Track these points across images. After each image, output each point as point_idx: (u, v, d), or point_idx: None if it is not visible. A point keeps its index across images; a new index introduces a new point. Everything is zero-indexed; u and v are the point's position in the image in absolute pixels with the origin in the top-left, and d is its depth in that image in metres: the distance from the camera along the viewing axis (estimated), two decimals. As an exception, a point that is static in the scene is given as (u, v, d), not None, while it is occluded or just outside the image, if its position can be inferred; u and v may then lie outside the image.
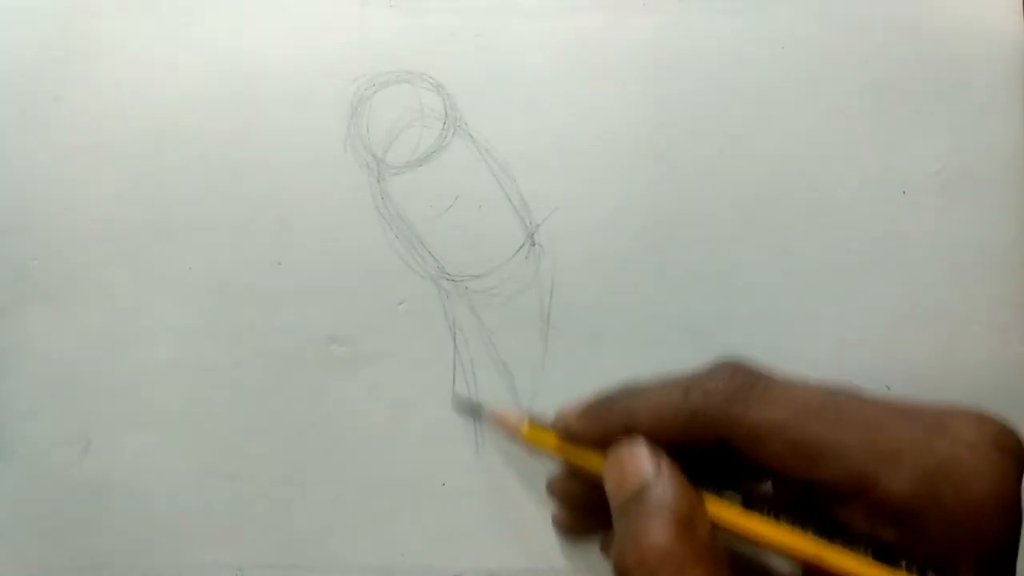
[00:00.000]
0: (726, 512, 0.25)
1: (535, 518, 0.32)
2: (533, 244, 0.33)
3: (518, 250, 0.33)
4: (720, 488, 0.25)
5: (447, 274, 0.33)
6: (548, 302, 0.33)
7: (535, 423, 0.29)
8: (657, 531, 0.23)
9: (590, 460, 0.27)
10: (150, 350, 0.33)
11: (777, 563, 0.27)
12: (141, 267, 0.33)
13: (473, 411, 0.32)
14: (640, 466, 0.25)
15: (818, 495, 0.24)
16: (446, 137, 0.33)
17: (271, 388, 0.32)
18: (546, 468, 0.32)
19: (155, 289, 0.33)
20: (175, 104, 0.34)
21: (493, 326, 0.33)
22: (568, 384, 0.32)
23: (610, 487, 0.26)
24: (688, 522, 0.23)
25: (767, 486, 0.27)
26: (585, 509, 0.30)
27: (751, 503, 0.25)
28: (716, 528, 0.24)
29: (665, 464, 0.25)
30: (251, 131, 0.33)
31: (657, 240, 0.33)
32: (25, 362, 0.33)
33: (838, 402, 0.24)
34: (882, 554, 0.23)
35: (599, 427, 0.27)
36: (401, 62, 0.34)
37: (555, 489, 0.30)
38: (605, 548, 0.30)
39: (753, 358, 0.32)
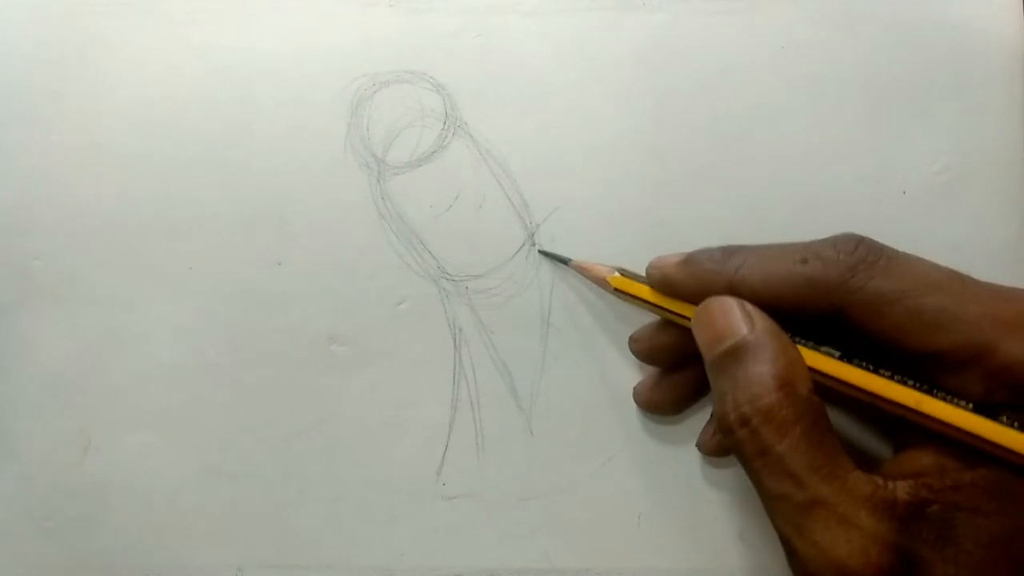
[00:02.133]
0: (825, 362, 0.25)
1: (535, 518, 0.32)
2: (533, 244, 0.33)
3: (518, 250, 0.33)
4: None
5: (447, 274, 0.33)
6: (548, 302, 0.33)
7: (626, 273, 0.29)
8: (757, 388, 0.23)
9: (674, 306, 0.27)
10: (150, 350, 0.33)
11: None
12: (141, 267, 0.33)
13: (560, 261, 0.32)
14: (734, 320, 0.25)
15: (933, 366, 0.24)
16: (446, 137, 0.33)
17: (271, 388, 0.33)
18: (547, 468, 0.32)
19: (155, 289, 0.33)
20: (175, 104, 0.34)
21: (493, 326, 0.33)
22: (568, 384, 0.32)
23: (702, 340, 0.26)
24: (788, 378, 0.24)
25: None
26: (671, 366, 0.30)
27: (850, 360, 0.25)
28: (833, 393, 0.25)
29: (760, 318, 0.25)
30: (251, 131, 0.33)
31: (657, 240, 0.33)
32: (25, 362, 0.33)
33: (961, 278, 0.25)
34: (982, 409, 0.23)
35: (698, 280, 0.27)
36: (401, 62, 0.34)
37: (639, 344, 0.30)
38: (703, 444, 0.31)
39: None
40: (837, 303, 0.25)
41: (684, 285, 0.27)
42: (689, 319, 0.27)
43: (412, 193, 0.33)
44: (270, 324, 0.33)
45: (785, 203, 0.33)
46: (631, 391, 0.32)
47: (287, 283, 0.33)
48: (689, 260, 0.28)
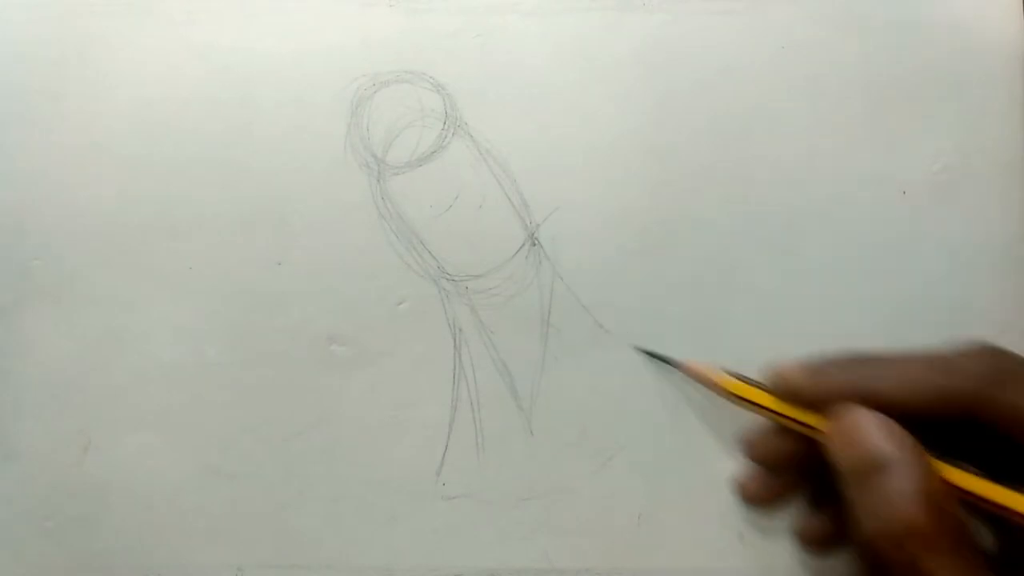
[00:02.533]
0: (972, 481, 0.25)
1: (535, 518, 0.32)
2: (533, 244, 0.33)
3: (518, 250, 0.33)
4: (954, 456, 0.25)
5: (447, 274, 0.33)
6: (548, 302, 0.33)
7: (742, 379, 0.29)
8: (902, 506, 0.23)
9: (802, 420, 0.27)
10: (150, 350, 0.33)
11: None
12: (141, 267, 0.33)
13: (665, 361, 0.31)
14: (878, 435, 0.25)
15: None
16: (446, 137, 0.33)
17: (271, 388, 0.32)
18: (547, 468, 0.32)
19: (155, 289, 0.33)
20: (175, 104, 0.34)
21: (493, 326, 0.33)
22: (568, 384, 0.32)
23: (842, 453, 0.25)
24: (934, 496, 0.23)
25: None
26: (782, 471, 0.30)
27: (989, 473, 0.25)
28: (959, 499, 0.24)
29: (903, 432, 0.25)
30: (251, 131, 0.33)
31: (657, 240, 0.33)
32: (25, 362, 0.33)
33: None
34: None
35: (825, 388, 0.27)
36: (401, 62, 0.34)
37: (754, 449, 0.30)
38: (803, 534, 0.30)
39: (753, 358, 0.32)
40: (974, 413, 0.25)
41: (810, 393, 0.27)
42: (812, 428, 0.27)
43: (412, 193, 0.33)
44: (270, 324, 0.33)
45: (785, 203, 0.33)
46: (631, 391, 0.32)
47: (287, 283, 0.33)
48: (814, 367, 0.27)
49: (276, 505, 0.32)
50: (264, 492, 0.32)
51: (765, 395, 0.28)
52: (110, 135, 0.33)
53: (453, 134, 0.33)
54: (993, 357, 0.25)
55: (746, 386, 0.29)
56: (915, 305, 0.32)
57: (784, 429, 0.28)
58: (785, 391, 0.28)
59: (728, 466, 0.32)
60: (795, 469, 0.29)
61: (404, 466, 0.32)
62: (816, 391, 0.27)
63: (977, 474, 0.25)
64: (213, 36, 0.34)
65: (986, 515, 0.25)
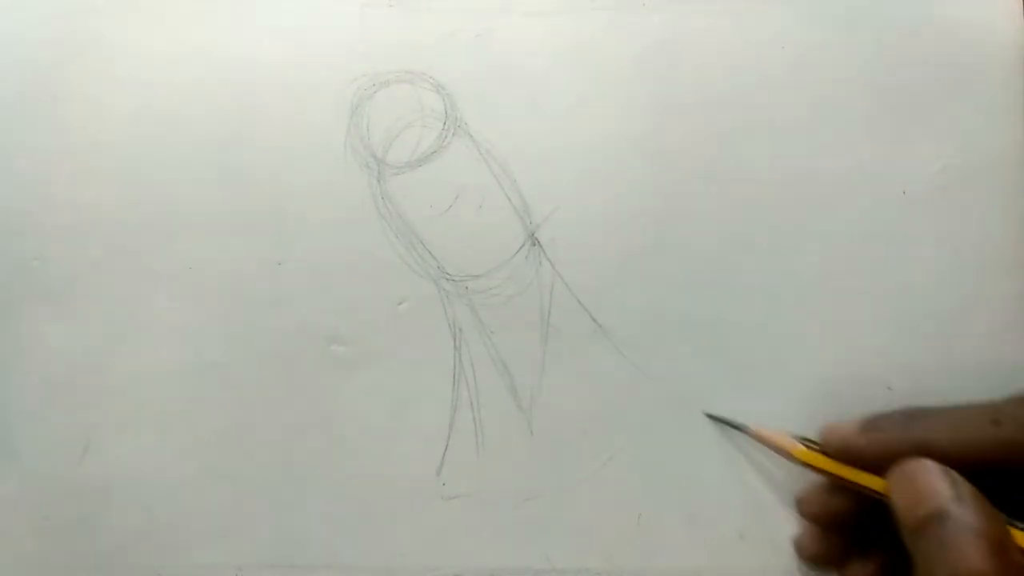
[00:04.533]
0: None
1: (535, 518, 0.32)
2: (533, 244, 0.33)
3: (518, 250, 0.33)
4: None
5: (447, 274, 0.33)
6: (548, 302, 0.33)
7: (806, 442, 0.29)
8: (967, 553, 0.23)
9: (862, 478, 0.27)
10: (150, 350, 0.33)
11: None
12: (141, 267, 0.33)
13: (734, 427, 0.31)
14: (937, 483, 0.25)
15: None
16: (446, 137, 0.33)
17: (271, 388, 0.32)
18: (547, 468, 0.32)
19: (155, 289, 0.33)
20: (175, 104, 0.34)
21: (493, 326, 0.33)
22: (568, 384, 0.32)
23: (902, 505, 0.25)
24: (999, 545, 0.23)
25: None
26: (838, 530, 0.29)
27: None
28: None
29: (962, 481, 0.25)
30: (251, 131, 0.33)
31: (657, 240, 0.33)
32: (25, 362, 0.33)
33: None
34: None
35: (883, 446, 0.27)
36: (401, 62, 0.34)
37: (810, 507, 0.30)
38: None
39: (753, 358, 0.32)
40: None
41: (868, 452, 0.27)
42: (873, 490, 0.27)
43: (412, 193, 0.33)
44: (270, 324, 0.33)
45: (785, 203, 0.33)
46: (631, 391, 0.32)
47: (287, 283, 0.33)
48: (870, 426, 0.27)
49: (276, 505, 0.32)
50: (264, 492, 0.32)
51: (827, 460, 0.28)
52: (110, 135, 0.33)
53: (453, 134, 0.33)
54: None
55: (812, 452, 0.29)
56: (915, 305, 0.32)
57: (838, 487, 0.28)
58: (842, 453, 0.28)
59: (729, 465, 0.32)
60: (850, 528, 0.29)
61: (404, 466, 0.32)
62: (874, 450, 0.27)
63: None
64: (213, 36, 0.34)
65: None
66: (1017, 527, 0.25)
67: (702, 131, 0.33)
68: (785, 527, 0.31)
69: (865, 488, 0.27)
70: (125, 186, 0.33)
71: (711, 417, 0.32)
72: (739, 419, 0.31)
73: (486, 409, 0.32)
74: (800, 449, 0.29)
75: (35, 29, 0.34)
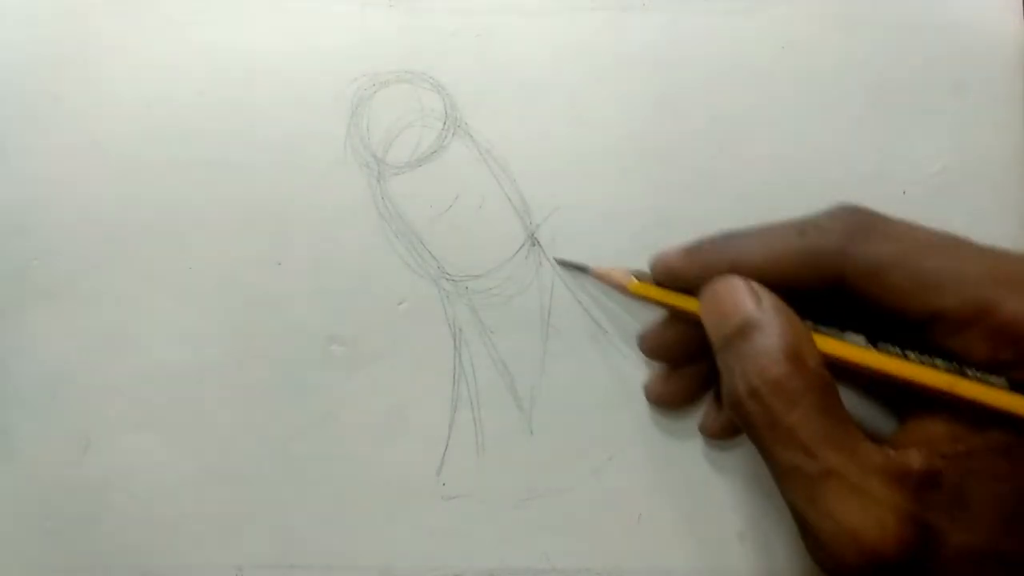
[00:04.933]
0: (850, 350, 0.25)
1: (535, 518, 0.32)
2: (533, 244, 0.33)
3: (518, 250, 0.33)
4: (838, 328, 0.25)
5: (447, 274, 0.33)
6: (548, 302, 0.33)
7: (641, 277, 0.29)
8: (765, 360, 0.23)
9: (686, 303, 0.27)
10: (150, 350, 0.33)
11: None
12: (141, 267, 0.33)
13: (578, 268, 0.32)
14: (740, 298, 0.25)
15: (935, 328, 0.24)
16: (446, 137, 0.33)
17: (271, 388, 0.32)
18: (547, 468, 0.32)
19: (155, 289, 0.33)
20: (175, 104, 0.34)
21: (493, 326, 0.33)
22: (568, 384, 0.32)
23: (710, 322, 0.26)
24: (797, 351, 0.24)
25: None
26: (679, 361, 0.30)
27: (876, 344, 0.25)
28: (838, 366, 0.24)
29: (766, 294, 0.25)
30: (251, 131, 0.33)
31: (657, 240, 0.32)
32: (25, 362, 0.33)
33: (959, 240, 0.25)
34: (1016, 386, 0.23)
35: (701, 266, 0.27)
36: (401, 62, 0.34)
37: (649, 343, 0.30)
38: (707, 427, 0.31)
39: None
40: (837, 272, 0.25)
41: (689, 274, 0.27)
42: (694, 313, 0.27)
43: (412, 193, 0.33)
44: (270, 324, 0.33)
45: (785, 203, 0.33)
46: (631, 391, 0.32)
47: (287, 283, 0.33)
48: (691, 248, 0.28)
49: (276, 505, 0.32)
50: (264, 492, 0.32)
51: (656, 289, 0.29)
52: (110, 135, 0.33)
53: (453, 134, 0.33)
54: (850, 214, 0.26)
55: (647, 285, 0.29)
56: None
57: (673, 317, 0.29)
58: (667, 276, 0.28)
59: (728, 467, 0.32)
60: (691, 360, 0.29)
61: (404, 466, 0.32)
62: (694, 271, 0.27)
63: (863, 343, 0.25)
64: (213, 36, 0.34)
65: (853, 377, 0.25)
66: (823, 332, 0.25)
67: (702, 131, 0.33)
68: (785, 528, 0.31)
69: (690, 313, 0.27)
70: (125, 186, 0.33)
71: (559, 262, 0.32)
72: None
73: (486, 409, 0.32)
74: (633, 282, 0.29)
75: (35, 29, 0.34)
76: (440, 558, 0.32)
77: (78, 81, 0.34)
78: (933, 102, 0.33)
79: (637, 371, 0.32)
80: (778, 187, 0.33)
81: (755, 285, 0.25)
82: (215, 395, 0.33)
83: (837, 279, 0.25)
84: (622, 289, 0.30)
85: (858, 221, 0.25)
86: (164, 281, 0.33)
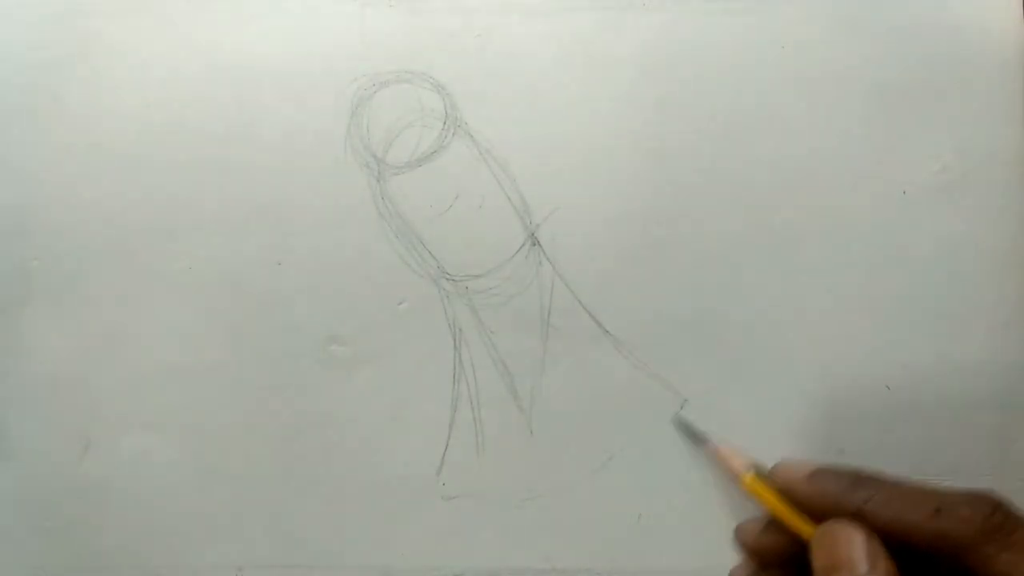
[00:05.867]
0: None
1: (535, 518, 0.32)
2: (533, 244, 0.33)
3: (518, 250, 0.33)
4: None
5: (447, 274, 0.33)
6: (548, 302, 0.33)
7: (760, 473, 0.29)
8: None
9: (797, 523, 0.27)
10: (150, 350, 0.33)
11: None
12: (141, 267, 0.33)
13: (695, 439, 0.31)
14: (856, 556, 0.25)
15: None
16: (446, 137, 0.33)
17: (271, 388, 0.32)
18: (547, 468, 0.32)
19: (155, 289, 0.33)
20: (175, 104, 0.34)
21: (493, 326, 0.33)
22: (568, 384, 0.32)
23: (818, 561, 0.26)
24: None
25: None
26: (771, 567, 0.29)
27: None
28: None
29: (882, 560, 0.25)
30: (251, 131, 0.33)
31: (657, 240, 0.33)
32: (25, 362, 0.33)
33: None
34: None
35: (823, 499, 0.27)
36: (401, 62, 0.34)
37: (745, 537, 0.30)
38: None
39: (753, 358, 0.32)
40: (965, 563, 0.24)
41: (809, 501, 0.27)
42: (803, 538, 0.27)
43: (412, 193, 0.33)
44: (270, 324, 0.33)
45: (785, 203, 0.33)
46: (631, 391, 0.32)
47: (287, 283, 0.33)
48: (817, 476, 0.27)
49: (276, 505, 0.32)
50: (264, 492, 0.32)
51: (771, 495, 0.28)
52: (110, 135, 0.33)
53: (453, 134, 0.33)
54: (993, 510, 0.25)
55: (758, 484, 0.29)
56: (915, 305, 0.32)
57: (777, 525, 0.28)
58: (786, 491, 0.28)
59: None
60: (781, 567, 0.29)
61: (404, 466, 0.32)
62: (815, 501, 0.27)
63: None
64: (213, 36, 0.34)
65: None
66: None
67: (702, 131, 0.33)
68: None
69: (797, 533, 0.27)
70: (125, 186, 0.33)
71: (678, 423, 0.32)
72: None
73: (486, 409, 0.32)
74: (749, 477, 0.29)
75: (35, 29, 0.34)
76: (440, 558, 0.32)
77: (78, 81, 0.34)
78: (933, 102, 0.33)
79: (637, 371, 0.32)
80: (778, 187, 0.33)
81: (875, 546, 0.25)
82: (215, 395, 0.33)
83: (963, 566, 0.25)
84: (735, 479, 0.29)
85: (997, 521, 0.25)
86: (164, 281, 0.33)
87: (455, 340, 0.33)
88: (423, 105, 0.33)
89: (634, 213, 0.33)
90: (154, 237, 0.33)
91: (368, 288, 0.33)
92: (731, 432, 0.32)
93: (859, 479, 0.27)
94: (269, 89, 0.34)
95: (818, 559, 0.26)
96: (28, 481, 0.32)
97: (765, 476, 0.29)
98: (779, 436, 0.32)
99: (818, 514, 0.27)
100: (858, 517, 0.26)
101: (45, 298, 0.33)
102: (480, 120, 0.33)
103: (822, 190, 0.33)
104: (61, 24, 0.34)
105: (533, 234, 0.33)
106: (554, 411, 0.32)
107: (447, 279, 0.33)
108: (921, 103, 0.33)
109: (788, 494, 0.28)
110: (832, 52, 0.33)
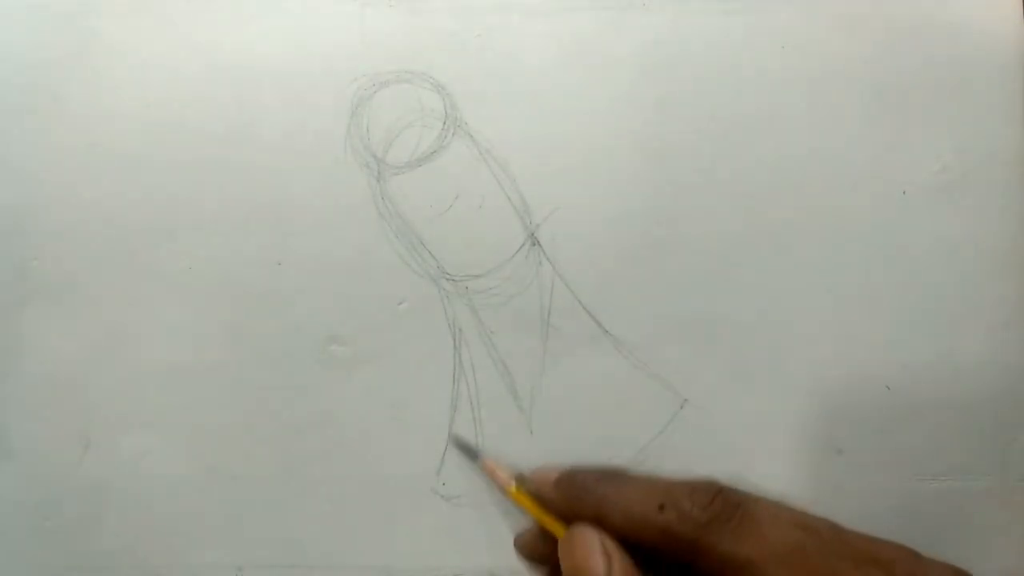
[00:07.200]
0: None
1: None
2: (533, 244, 0.33)
3: (518, 250, 0.33)
4: None
5: (447, 274, 0.33)
6: (548, 302, 0.33)
7: (521, 485, 0.29)
8: None
9: (555, 528, 0.27)
10: (150, 350, 0.33)
11: None
12: (141, 267, 0.33)
13: (469, 454, 0.31)
14: (593, 559, 0.25)
15: None
16: (446, 137, 0.33)
17: (271, 388, 0.32)
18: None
19: (155, 289, 0.33)
20: (175, 104, 0.34)
21: (493, 326, 0.33)
22: (568, 384, 0.32)
23: (564, 568, 0.26)
24: None
25: None
26: (549, 570, 0.30)
27: None
28: None
29: (618, 558, 0.25)
30: (251, 131, 0.33)
31: (657, 240, 0.33)
32: (25, 362, 0.33)
33: (806, 549, 0.24)
34: None
35: (569, 503, 0.27)
36: (401, 62, 0.34)
37: (519, 545, 0.30)
38: None
39: (753, 358, 0.32)
40: (687, 558, 0.24)
41: (557, 506, 0.27)
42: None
43: (412, 193, 0.33)
44: (270, 324, 0.33)
45: (785, 203, 0.33)
46: (631, 391, 0.32)
47: (287, 283, 0.33)
48: (562, 481, 0.28)
49: (276, 505, 0.32)
50: (264, 492, 0.32)
51: (532, 504, 0.28)
52: (110, 135, 0.33)
53: (453, 134, 0.33)
54: (712, 498, 0.25)
55: (523, 495, 0.29)
56: (915, 305, 0.32)
57: (546, 531, 0.29)
58: (539, 498, 0.28)
59: (727, 467, 0.32)
60: (557, 570, 0.29)
61: (404, 466, 0.32)
62: (562, 504, 0.27)
63: None
64: (213, 36, 0.34)
65: None
66: None
67: (702, 131, 0.33)
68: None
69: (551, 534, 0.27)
70: (125, 186, 0.33)
71: (455, 440, 0.32)
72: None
73: (486, 409, 0.32)
74: (512, 488, 0.29)
75: (36, 30, 0.34)
76: (440, 558, 0.32)
77: (78, 81, 0.34)
78: (933, 102, 0.33)
79: (637, 371, 0.32)
80: (778, 187, 0.33)
81: (610, 545, 0.25)
82: (215, 395, 0.33)
83: (689, 562, 0.24)
84: (502, 490, 0.30)
85: (715, 509, 0.24)
86: (164, 281, 0.33)
87: (455, 340, 0.33)
88: (423, 105, 0.33)
89: (634, 213, 0.33)
90: (154, 237, 0.33)
91: (368, 288, 0.33)
92: (731, 432, 0.32)
93: (598, 478, 0.27)
94: (269, 89, 0.34)
95: (564, 565, 0.26)
96: (28, 481, 0.32)
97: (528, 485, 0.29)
98: (779, 436, 0.32)
99: (570, 518, 0.27)
100: (598, 519, 0.26)
101: (45, 298, 0.33)
102: (480, 120, 0.33)
103: (822, 190, 0.33)
104: (61, 24, 0.34)
105: (533, 234, 0.33)
106: (554, 411, 0.32)
107: (447, 279, 0.33)
108: (921, 103, 0.33)
109: (542, 501, 0.28)
110: (832, 52, 0.33)
